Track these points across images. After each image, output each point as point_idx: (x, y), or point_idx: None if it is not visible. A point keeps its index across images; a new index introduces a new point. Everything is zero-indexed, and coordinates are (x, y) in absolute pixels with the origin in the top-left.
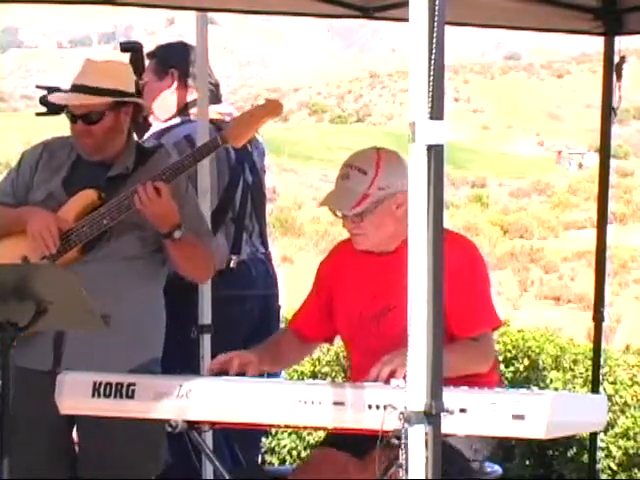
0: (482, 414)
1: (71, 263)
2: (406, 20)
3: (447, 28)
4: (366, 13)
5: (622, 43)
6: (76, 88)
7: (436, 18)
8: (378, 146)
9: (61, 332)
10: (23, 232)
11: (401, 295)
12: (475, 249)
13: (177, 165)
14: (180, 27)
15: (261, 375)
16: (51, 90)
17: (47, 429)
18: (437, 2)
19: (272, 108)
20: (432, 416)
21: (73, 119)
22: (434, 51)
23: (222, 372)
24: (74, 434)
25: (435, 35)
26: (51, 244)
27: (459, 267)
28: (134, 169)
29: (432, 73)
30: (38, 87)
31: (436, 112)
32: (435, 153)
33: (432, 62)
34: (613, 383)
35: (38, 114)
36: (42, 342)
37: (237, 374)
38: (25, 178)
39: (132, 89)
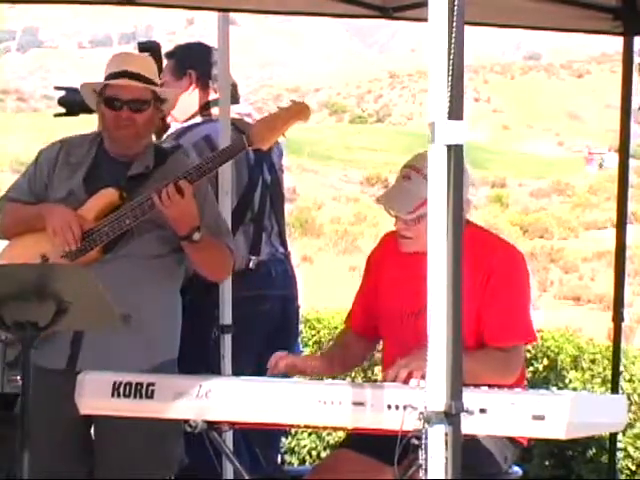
0: (502, 414)
1: (91, 262)
2: (425, 20)
3: (467, 28)
4: (385, 13)
5: None
6: (122, 74)
7: (455, 18)
8: None
9: (79, 332)
10: (42, 230)
11: None
12: (522, 261)
13: (202, 166)
14: (200, 27)
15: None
16: (69, 90)
17: (64, 429)
18: (456, 2)
19: (298, 111)
20: (452, 416)
21: (119, 106)
22: (453, 51)
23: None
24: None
25: (454, 35)
26: (71, 240)
27: (500, 273)
28: (154, 169)
29: (451, 73)
30: (57, 88)
31: (455, 112)
32: (455, 153)
33: (451, 62)
34: (630, 381)
35: (56, 115)
36: (59, 342)
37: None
38: (43, 176)
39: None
